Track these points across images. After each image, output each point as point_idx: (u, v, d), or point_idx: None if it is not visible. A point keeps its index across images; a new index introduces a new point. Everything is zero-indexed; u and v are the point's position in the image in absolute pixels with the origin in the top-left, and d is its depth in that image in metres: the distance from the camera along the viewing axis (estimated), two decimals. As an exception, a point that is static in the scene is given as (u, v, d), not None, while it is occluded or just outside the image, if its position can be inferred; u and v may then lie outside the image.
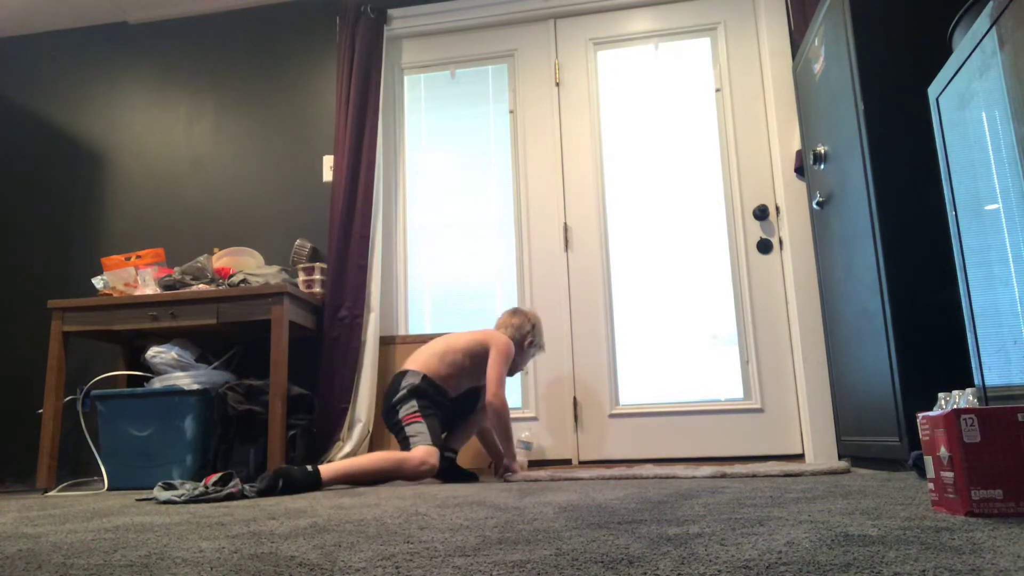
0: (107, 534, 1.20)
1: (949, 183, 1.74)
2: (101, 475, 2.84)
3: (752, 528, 1.01)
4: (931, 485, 1.15)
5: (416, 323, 3.35)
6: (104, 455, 2.83)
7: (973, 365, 1.67)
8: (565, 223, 3.29)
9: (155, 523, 1.36)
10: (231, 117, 3.65)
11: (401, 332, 3.33)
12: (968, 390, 1.64)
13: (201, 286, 3.02)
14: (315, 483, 2.20)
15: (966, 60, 1.60)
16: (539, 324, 2.80)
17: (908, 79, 2.19)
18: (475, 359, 2.63)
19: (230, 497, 1.94)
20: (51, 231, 3.68)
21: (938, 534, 0.89)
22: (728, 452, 2.99)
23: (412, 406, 2.50)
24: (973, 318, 1.67)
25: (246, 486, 2.04)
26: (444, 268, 3.37)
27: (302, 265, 3.25)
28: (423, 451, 2.38)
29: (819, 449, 2.84)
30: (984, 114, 1.55)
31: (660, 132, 3.32)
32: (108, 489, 2.77)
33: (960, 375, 1.99)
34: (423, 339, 3.08)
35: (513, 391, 3.19)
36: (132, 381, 3.17)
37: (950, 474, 1.08)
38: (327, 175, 3.46)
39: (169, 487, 2.04)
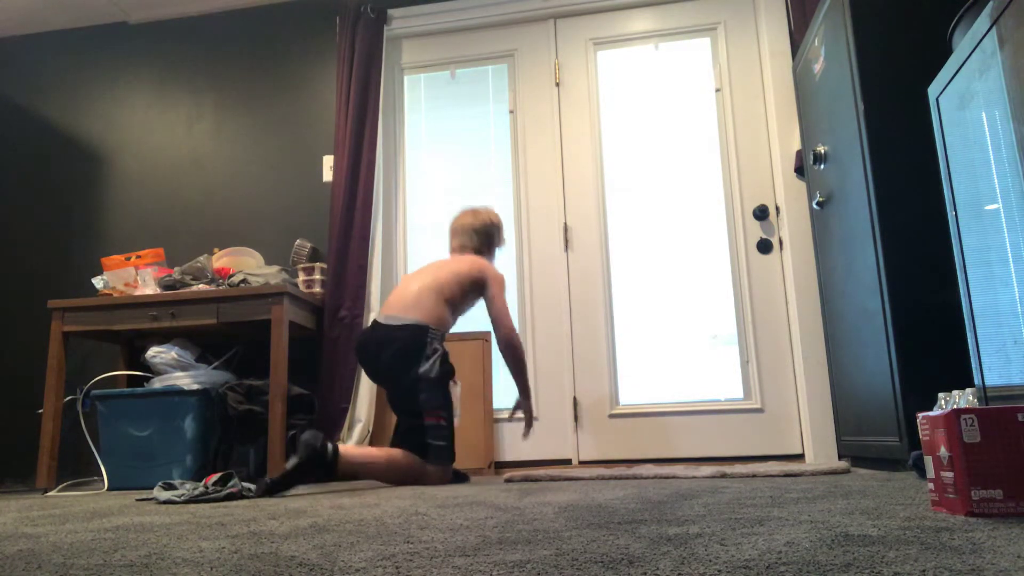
0: (107, 534, 1.20)
1: (949, 183, 1.74)
2: (101, 475, 2.84)
3: (752, 528, 1.01)
4: (931, 485, 1.15)
5: (416, 323, 3.35)
6: (104, 455, 2.83)
7: (973, 365, 1.67)
8: (565, 223, 3.29)
9: (155, 523, 1.36)
10: (231, 117, 3.65)
11: (401, 332, 3.33)
12: (968, 390, 1.64)
13: (201, 286, 3.02)
14: (329, 472, 2.08)
15: (966, 60, 1.60)
16: (500, 221, 2.72)
17: (908, 79, 2.19)
18: (471, 297, 2.51)
19: (230, 497, 1.94)
20: (51, 231, 3.68)
21: (938, 534, 0.89)
22: (728, 452, 2.99)
23: (437, 396, 2.31)
24: (973, 318, 1.67)
25: (244, 485, 2.04)
26: (444, 268, 3.37)
27: (302, 265, 3.25)
28: (442, 472, 2.27)
29: (819, 449, 2.84)
30: (984, 114, 1.55)
31: (660, 132, 3.32)
32: (108, 489, 2.77)
33: (960, 375, 1.99)
34: (423, 339, 3.08)
35: (513, 391, 3.18)
36: (132, 381, 3.17)
37: (950, 474, 1.08)
38: (327, 175, 3.46)
39: (169, 487, 2.04)
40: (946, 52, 1.88)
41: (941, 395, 1.71)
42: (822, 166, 2.68)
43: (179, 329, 2.96)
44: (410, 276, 2.56)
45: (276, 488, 2.01)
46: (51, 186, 3.73)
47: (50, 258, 3.65)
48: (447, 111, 3.53)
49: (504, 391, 3.17)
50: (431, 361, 2.34)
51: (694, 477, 2.18)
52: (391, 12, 3.51)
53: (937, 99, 1.78)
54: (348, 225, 3.22)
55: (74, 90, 3.83)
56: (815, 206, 2.76)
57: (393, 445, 2.37)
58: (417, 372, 2.32)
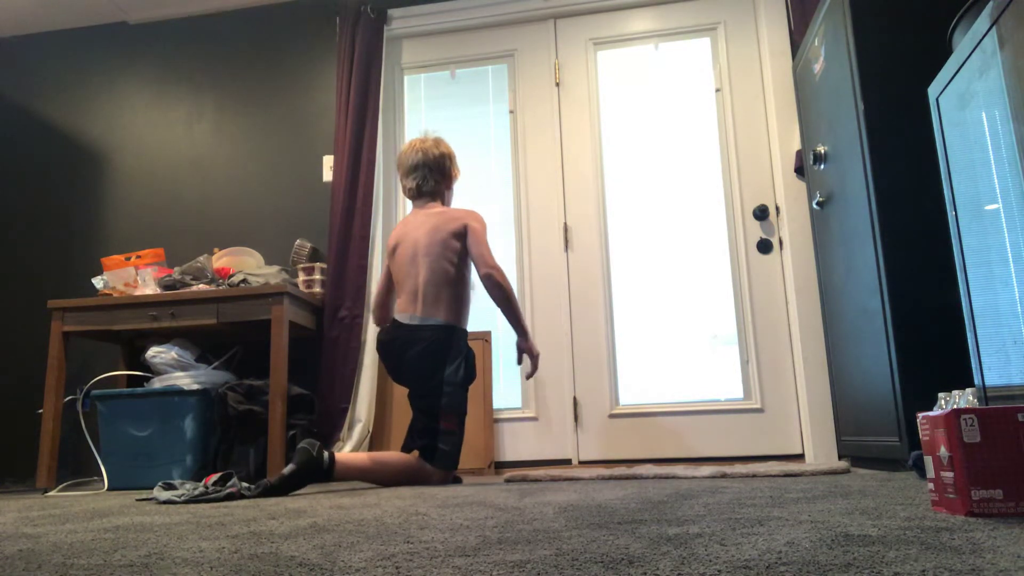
0: (107, 534, 1.20)
1: (949, 183, 1.74)
2: (101, 475, 2.84)
3: (752, 528, 1.01)
4: (931, 485, 1.15)
5: (416, 323, 3.35)
6: (104, 455, 2.83)
7: (973, 365, 1.67)
8: (565, 223, 3.29)
9: (155, 523, 1.36)
10: (231, 117, 3.65)
11: (401, 332, 3.33)
12: (968, 390, 1.64)
13: (201, 286, 3.02)
14: (326, 478, 2.11)
15: (966, 60, 1.60)
16: (452, 152, 2.58)
17: (908, 79, 2.19)
18: (464, 252, 2.42)
19: (230, 497, 1.94)
20: (51, 231, 3.68)
21: (938, 534, 0.89)
22: (728, 452, 2.99)
23: (456, 403, 2.29)
24: (973, 318, 1.67)
25: (244, 485, 2.04)
26: (444, 268, 3.37)
27: (302, 265, 3.25)
28: (442, 477, 2.28)
29: (819, 449, 2.84)
30: (984, 114, 1.54)
31: (660, 132, 3.32)
32: (108, 489, 2.77)
33: (960, 375, 1.99)
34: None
35: (513, 390, 3.19)
36: (132, 381, 3.17)
37: (950, 474, 1.08)
38: (327, 175, 3.46)
39: (169, 487, 2.04)
40: (946, 52, 1.88)
41: (941, 395, 1.71)
42: (822, 166, 2.68)
43: (179, 329, 2.96)
44: (404, 263, 2.44)
45: (274, 493, 2.01)
46: (51, 186, 3.73)
47: (50, 258, 3.65)
48: (447, 111, 3.53)
49: (504, 391, 3.17)
50: (456, 363, 2.33)
51: (694, 477, 2.18)
52: (391, 12, 3.51)
53: (937, 99, 1.77)
54: (348, 225, 3.22)
55: (74, 90, 3.83)
56: (815, 206, 2.76)
57: (406, 443, 2.38)
58: (443, 375, 2.31)
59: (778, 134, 3.11)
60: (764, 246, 3.12)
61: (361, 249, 3.20)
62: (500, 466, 3.11)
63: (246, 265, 3.19)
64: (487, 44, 3.54)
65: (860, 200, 2.29)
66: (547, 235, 3.30)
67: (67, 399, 3.06)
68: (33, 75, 3.89)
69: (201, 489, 1.94)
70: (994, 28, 1.47)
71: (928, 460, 1.16)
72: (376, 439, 3.10)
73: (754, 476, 2.15)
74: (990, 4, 1.49)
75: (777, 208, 3.13)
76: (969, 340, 1.69)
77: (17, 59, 3.93)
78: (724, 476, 2.17)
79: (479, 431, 2.98)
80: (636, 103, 3.38)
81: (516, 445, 3.12)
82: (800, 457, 2.95)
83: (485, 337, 3.08)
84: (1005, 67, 1.44)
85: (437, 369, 2.32)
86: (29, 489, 3.15)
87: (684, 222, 3.23)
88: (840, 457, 2.80)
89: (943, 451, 1.09)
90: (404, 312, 2.40)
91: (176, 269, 3.12)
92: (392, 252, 2.52)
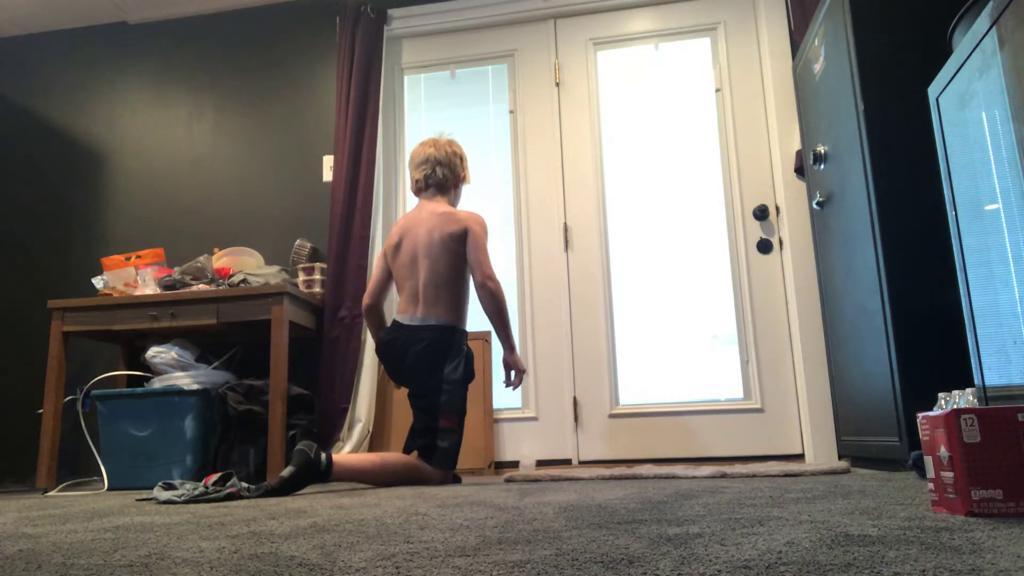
0: (107, 534, 1.20)
1: (949, 183, 1.74)
2: (101, 475, 2.84)
3: (752, 528, 1.01)
4: (931, 485, 1.15)
5: (416, 323, 3.35)
6: (104, 455, 2.83)
7: (973, 365, 1.67)
8: (565, 223, 3.29)
9: (155, 523, 1.36)
10: (231, 117, 3.65)
11: (401, 332, 3.33)
12: (968, 390, 1.64)
13: (201, 286, 3.02)
14: (323, 479, 2.12)
15: (966, 60, 1.60)
16: (463, 152, 2.58)
17: (908, 79, 2.19)
18: (464, 257, 2.40)
19: (230, 497, 1.94)
20: (51, 231, 3.68)
21: (938, 534, 0.89)
22: (728, 452, 2.99)
23: (456, 402, 2.30)
24: (973, 318, 1.67)
25: (244, 485, 2.04)
26: (444, 268, 3.37)
27: (302, 265, 3.25)
28: (440, 476, 2.28)
29: (819, 449, 2.84)
30: (984, 114, 1.55)
31: (660, 132, 3.32)
32: (108, 489, 2.77)
33: (960, 375, 1.99)
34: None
35: (512, 391, 3.19)
36: (132, 381, 3.17)
37: (950, 474, 1.08)
38: (327, 175, 3.46)
39: (169, 487, 2.04)
40: (946, 52, 1.88)
41: (941, 395, 1.71)
42: (822, 166, 2.68)
43: (179, 329, 2.96)
44: (404, 264, 2.44)
45: (273, 495, 2.02)
46: (51, 186, 3.73)
47: (50, 258, 3.65)
48: (447, 111, 3.53)
49: (504, 391, 3.17)
50: (455, 362, 2.34)
51: (694, 477, 2.18)
52: (391, 12, 3.51)
53: (937, 99, 1.78)
54: (348, 225, 3.22)
55: (74, 90, 3.83)
56: (815, 206, 2.76)
57: (407, 444, 2.39)
58: (442, 374, 2.32)
59: (778, 134, 3.11)
60: (764, 246, 3.12)
61: (361, 249, 3.20)
62: (500, 466, 3.11)
63: (246, 265, 3.19)
64: (487, 44, 3.54)
65: (860, 200, 2.29)
66: (547, 235, 3.30)
67: (67, 399, 3.06)
68: (33, 75, 3.89)
69: (201, 489, 1.94)
70: (994, 28, 1.47)
71: (928, 460, 1.16)
72: (376, 439, 3.10)
73: (754, 476, 2.15)
74: (990, 4, 1.49)
75: (777, 208, 3.13)
76: (969, 340, 1.69)
77: (17, 59, 3.93)
78: (724, 476, 2.17)
79: (479, 431, 2.98)
80: (636, 103, 3.38)
81: (516, 445, 3.12)
82: (800, 457, 2.95)
83: (485, 337, 3.08)
84: (1005, 67, 1.44)
85: (437, 368, 2.33)
86: (29, 489, 3.15)
87: (684, 222, 3.23)
88: (840, 457, 2.80)
89: (943, 451, 1.09)
90: (404, 313, 2.41)
91: (176, 269, 3.12)
92: (394, 248, 2.50)
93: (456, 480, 2.44)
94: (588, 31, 3.46)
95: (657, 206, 3.26)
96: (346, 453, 2.94)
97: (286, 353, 2.79)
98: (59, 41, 3.91)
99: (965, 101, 1.63)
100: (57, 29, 3.93)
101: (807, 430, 2.89)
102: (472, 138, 3.47)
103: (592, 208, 3.29)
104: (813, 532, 0.95)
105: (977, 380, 1.65)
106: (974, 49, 1.56)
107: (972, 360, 1.68)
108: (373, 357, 3.11)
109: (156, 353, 2.90)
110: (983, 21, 1.52)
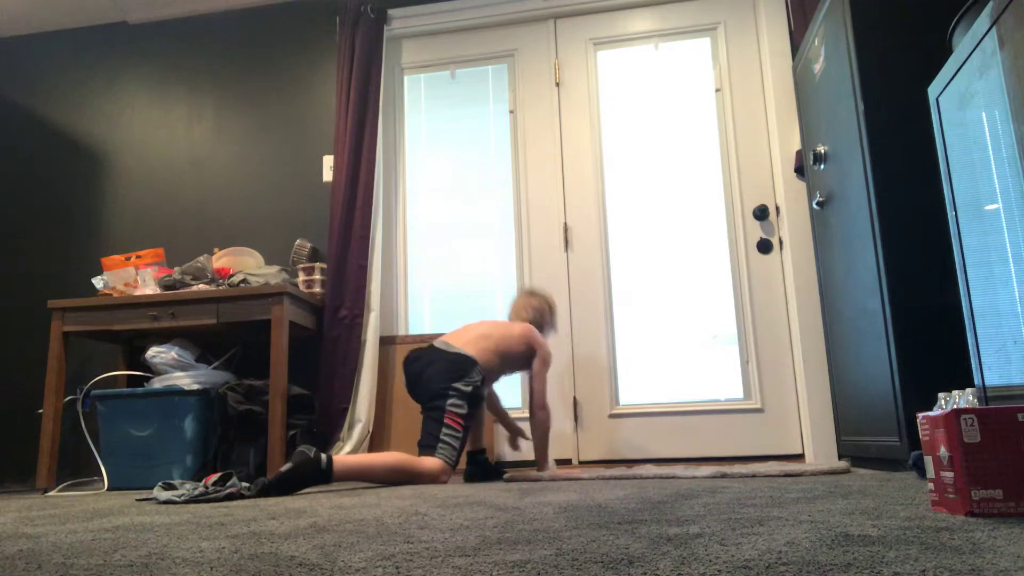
0: (107, 534, 1.20)
1: (949, 183, 1.74)
2: (101, 475, 2.84)
3: (752, 528, 1.01)
4: (931, 485, 1.15)
5: (416, 323, 3.36)
6: (104, 455, 2.83)
7: (973, 365, 1.67)
8: (565, 223, 3.29)
9: (155, 523, 1.36)
10: (231, 117, 3.65)
11: (401, 332, 3.33)
12: (968, 390, 1.64)
13: (201, 286, 3.02)
14: (325, 479, 2.14)
15: (966, 60, 1.60)
16: (555, 306, 2.85)
17: (908, 79, 2.19)
18: (520, 358, 2.64)
19: (230, 497, 1.94)
20: (51, 231, 3.68)
21: (938, 534, 0.89)
22: (728, 452, 2.99)
23: (463, 406, 2.42)
24: (973, 318, 1.67)
25: (243, 485, 2.04)
26: (444, 268, 3.38)
27: (302, 265, 3.25)
28: (440, 467, 2.32)
29: (819, 449, 2.84)
30: (984, 114, 1.55)
31: (660, 132, 3.32)
32: (108, 489, 2.77)
33: (960, 375, 1.99)
34: (423, 339, 3.08)
35: (512, 391, 3.19)
36: (132, 381, 3.17)
37: (950, 474, 1.08)
38: (327, 175, 3.46)
39: (169, 487, 2.04)
40: (946, 52, 1.88)
41: (941, 395, 1.71)
42: (822, 166, 2.68)
43: (179, 329, 2.96)
44: (471, 324, 2.70)
45: (272, 492, 2.03)
46: (51, 186, 3.73)
47: (50, 258, 3.65)
48: (447, 111, 3.53)
49: (504, 392, 3.16)
50: (467, 381, 2.46)
51: (694, 477, 2.18)
52: (391, 12, 3.51)
53: (937, 99, 1.78)
54: (348, 225, 3.22)
55: (74, 90, 3.83)
56: (815, 206, 2.76)
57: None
58: (452, 385, 2.44)
59: (778, 134, 3.11)
60: (764, 246, 3.12)
61: (361, 249, 3.20)
62: (500, 466, 3.11)
63: (246, 265, 3.19)
64: (487, 44, 3.54)
65: (860, 200, 2.29)
66: (547, 235, 3.30)
67: (67, 399, 3.06)
68: (33, 75, 3.89)
69: (201, 489, 1.94)
70: (994, 28, 1.47)
71: (928, 460, 1.16)
72: (376, 439, 3.10)
73: (754, 476, 2.15)
74: (990, 4, 1.49)
75: (777, 208, 3.13)
76: (969, 340, 1.69)
77: (17, 59, 3.93)
78: (724, 476, 2.17)
79: (479, 431, 2.97)
80: (636, 103, 3.38)
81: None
82: (800, 457, 2.95)
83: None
84: (1005, 67, 1.44)
85: (448, 381, 2.45)
86: (29, 489, 3.15)
87: (684, 222, 3.23)
88: (840, 457, 2.80)
89: (943, 451, 1.09)
90: (444, 341, 2.57)
91: (176, 269, 3.12)
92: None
93: (500, 474, 2.61)
94: (588, 31, 3.46)
95: (657, 206, 3.26)
96: (346, 453, 2.95)
97: (286, 353, 2.79)
98: (59, 41, 3.91)
99: (965, 101, 1.63)
100: (57, 29, 3.92)
101: (807, 430, 2.89)
102: (472, 138, 3.47)
103: (592, 208, 3.28)
104: (813, 532, 0.95)
105: (977, 380, 1.65)
106: (974, 49, 1.56)
107: (972, 360, 1.68)
108: (373, 357, 3.11)
109: (156, 353, 2.90)
110: (983, 21, 1.52)
